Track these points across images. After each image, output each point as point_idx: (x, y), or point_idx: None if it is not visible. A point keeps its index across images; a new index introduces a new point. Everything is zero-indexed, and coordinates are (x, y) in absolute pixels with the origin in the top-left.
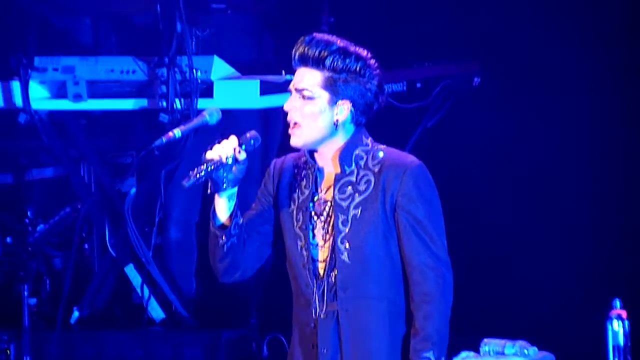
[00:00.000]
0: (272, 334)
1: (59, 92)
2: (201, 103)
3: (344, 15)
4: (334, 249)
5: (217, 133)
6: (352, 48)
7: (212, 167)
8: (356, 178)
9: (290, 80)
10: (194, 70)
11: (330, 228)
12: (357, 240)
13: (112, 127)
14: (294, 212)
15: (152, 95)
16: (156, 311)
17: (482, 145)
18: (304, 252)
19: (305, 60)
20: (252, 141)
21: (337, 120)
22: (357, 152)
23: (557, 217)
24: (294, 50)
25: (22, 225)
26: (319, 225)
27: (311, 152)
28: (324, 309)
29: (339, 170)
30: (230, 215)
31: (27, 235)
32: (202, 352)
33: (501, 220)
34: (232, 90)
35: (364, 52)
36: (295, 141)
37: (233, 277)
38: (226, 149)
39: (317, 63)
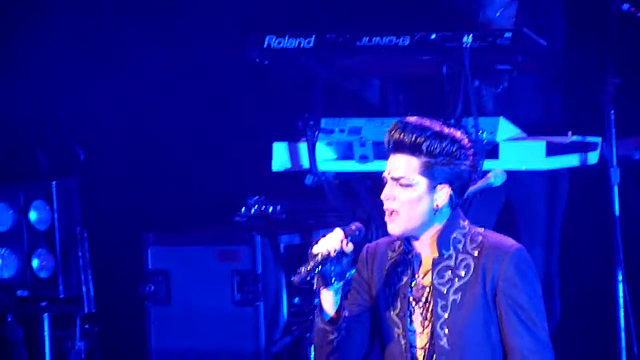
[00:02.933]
0: None
1: (346, 153)
2: (486, 164)
3: (631, 76)
4: (432, 335)
5: (502, 193)
6: (446, 130)
7: (321, 262)
8: (455, 262)
9: (578, 142)
10: (480, 132)
11: (429, 314)
12: (457, 326)
13: None
14: (391, 298)
15: None
16: None
17: None
18: (402, 340)
19: (401, 147)
20: (357, 232)
21: (436, 206)
22: (454, 235)
23: None
24: (387, 137)
25: (309, 285)
26: (417, 311)
27: (407, 238)
28: None
29: (436, 255)
30: (338, 309)
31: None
32: None
33: None
34: (517, 151)
35: (457, 133)
36: (394, 229)
37: None
38: (333, 242)
39: (413, 149)
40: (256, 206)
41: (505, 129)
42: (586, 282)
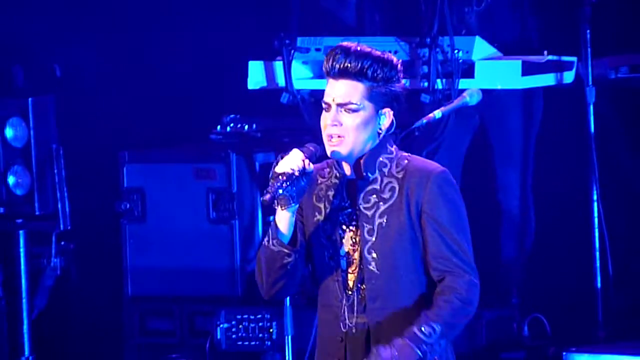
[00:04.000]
0: (533, 315)
1: (321, 72)
2: (462, 83)
3: None
4: (361, 260)
5: (476, 114)
6: (385, 55)
7: (286, 181)
8: (380, 186)
9: (553, 61)
10: (456, 51)
11: (357, 238)
12: (384, 250)
13: None
14: (322, 223)
15: (413, 76)
16: None
17: None
18: (333, 264)
19: (345, 73)
20: (315, 152)
21: (380, 130)
22: (380, 159)
23: None
24: (327, 63)
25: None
26: (348, 235)
27: (339, 161)
28: (354, 322)
29: (362, 178)
30: (294, 231)
31: None
32: (462, 331)
33: None
34: (493, 70)
35: (393, 58)
36: (339, 151)
37: (281, 297)
38: (296, 162)
39: (358, 75)
40: (232, 124)
41: (481, 48)
42: (561, 202)
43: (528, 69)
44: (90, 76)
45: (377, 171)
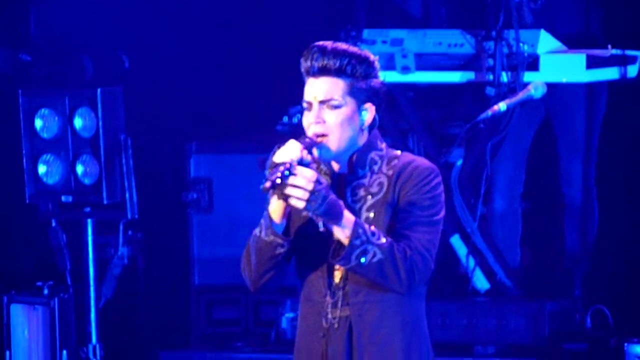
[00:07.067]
0: (596, 306)
1: (387, 64)
2: (527, 77)
3: None
4: None
5: (542, 106)
6: (362, 52)
7: (287, 170)
8: (369, 181)
9: (617, 55)
10: (521, 44)
11: None
12: None
13: (440, 99)
14: (310, 217)
15: (478, 69)
16: (481, 281)
17: None
18: (319, 259)
19: (326, 71)
20: (311, 143)
21: (363, 125)
22: (371, 155)
23: None
24: (306, 63)
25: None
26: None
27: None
28: (337, 316)
29: (351, 173)
30: (288, 221)
31: None
32: (525, 322)
33: None
34: (558, 64)
35: (371, 55)
36: (326, 154)
37: (266, 289)
38: (294, 152)
39: (338, 72)
40: (298, 115)
41: (545, 42)
42: (625, 194)
43: (592, 63)
44: (158, 67)
45: (367, 167)
